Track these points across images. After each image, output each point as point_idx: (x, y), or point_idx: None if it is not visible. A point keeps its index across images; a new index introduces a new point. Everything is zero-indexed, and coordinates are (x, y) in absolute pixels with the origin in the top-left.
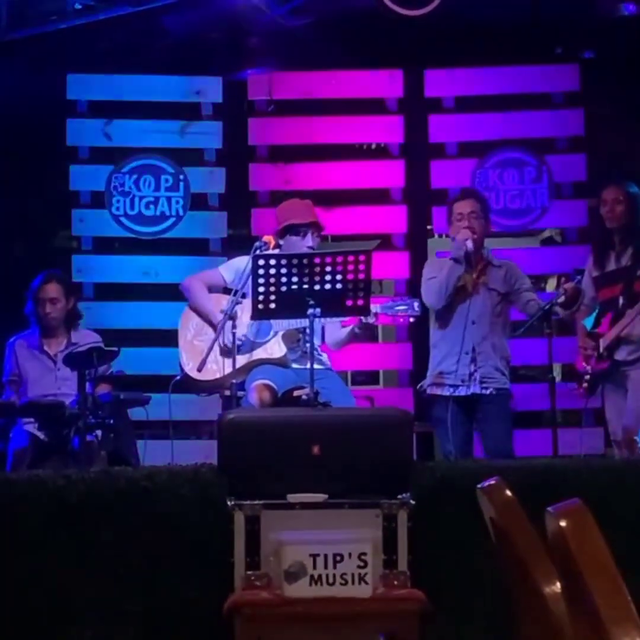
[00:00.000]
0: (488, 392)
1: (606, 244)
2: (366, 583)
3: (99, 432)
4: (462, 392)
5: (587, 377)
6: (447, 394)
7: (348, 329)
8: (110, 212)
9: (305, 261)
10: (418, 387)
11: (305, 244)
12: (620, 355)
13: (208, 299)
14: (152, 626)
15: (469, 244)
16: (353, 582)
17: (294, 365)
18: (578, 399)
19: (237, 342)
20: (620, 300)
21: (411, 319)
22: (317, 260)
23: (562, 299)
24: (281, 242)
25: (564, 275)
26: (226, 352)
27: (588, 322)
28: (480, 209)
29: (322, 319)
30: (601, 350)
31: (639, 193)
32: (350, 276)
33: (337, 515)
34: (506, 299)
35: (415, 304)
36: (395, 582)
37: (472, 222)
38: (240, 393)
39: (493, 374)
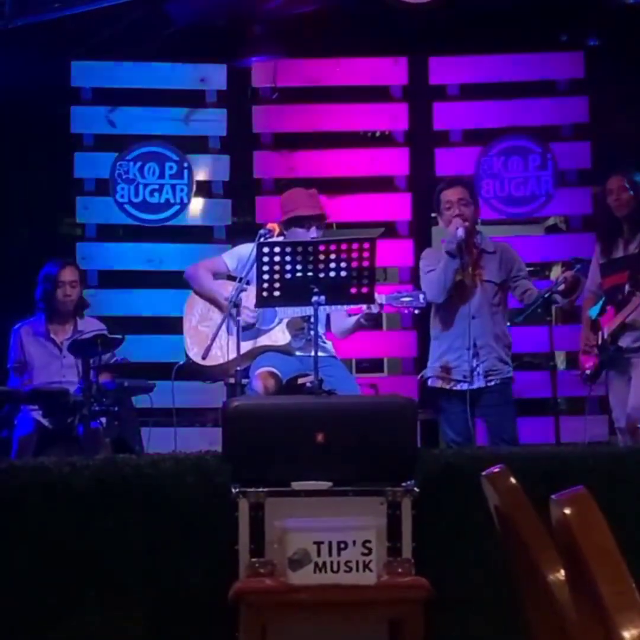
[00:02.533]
0: (492, 384)
1: (614, 232)
2: (370, 570)
3: (103, 420)
4: (464, 387)
5: (591, 364)
6: (448, 387)
7: (354, 318)
8: (114, 200)
9: (309, 249)
10: (419, 377)
11: (309, 236)
12: (625, 342)
13: (214, 283)
14: (158, 613)
15: (460, 232)
16: (357, 570)
17: (298, 353)
18: (582, 386)
19: (251, 321)
20: (626, 288)
21: (416, 311)
22: (321, 248)
23: (561, 287)
24: (285, 232)
25: (564, 264)
26: (231, 338)
27: (593, 311)
28: (469, 196)
29: (327, 307)
30: (605, 336)
31: None
32: (354, 264)
33: (341, 503)
34: (503, 287)
35: (421, 296)
36: (400, 570)
37: (462, 209)
38: (244, 380)
39: (496, 366)
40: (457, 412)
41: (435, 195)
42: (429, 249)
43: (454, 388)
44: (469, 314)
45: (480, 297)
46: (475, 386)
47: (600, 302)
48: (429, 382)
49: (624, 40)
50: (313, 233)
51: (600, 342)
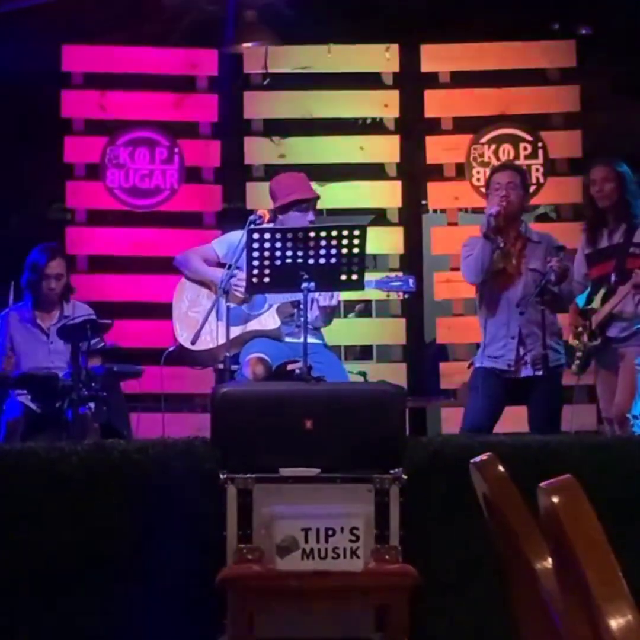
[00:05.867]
0: (540, 373)
1: (599, 222)
2: (358, 557)
3: (91, 405)
4: (510, 376)
5: (579, 354)
6: (497, 371)
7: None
8: (104, 185)
9: (300, 235)
10: (468, 365)
11: (308, 219)
12: (613, 332)
13: (206, 266)
14: (144, 598)
15: (492, 210)
16: (345, 557)
17: (288, 339)
18: (570, 375)
19: (241, 297)
20: (613, 277)
21: (406, 296)
22: (311, 234)
23: (552, 276)
24: (280, 216)
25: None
26: (221, 323)
27: (580, 300)
28: (519, 180)
29: (315, 294)
30: (593, 327)
31: (628, 171)
32: (344, 251)
33: (329, 490)
34: None
35: (411, 281)
36: (387, 557)
37: (509, 192)
38: (234, 366)
39: (544, 354)
40: (494, 394)
41: (488, 179)
42: (471, 237)
43: (501, 376)
44: (513, 303)
45: (525, 287)
46: (522, 375)
47: (587, 292)
48: (478, 364)
49: (615, 29)
50: (310, 216)
51: (588, 331)
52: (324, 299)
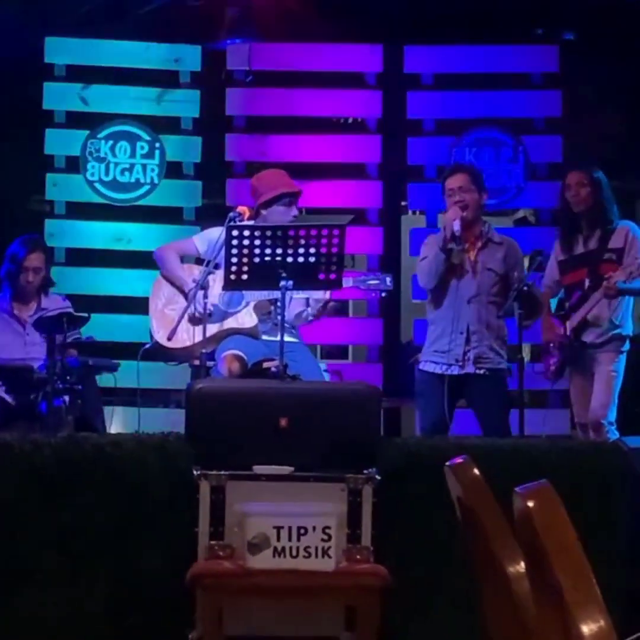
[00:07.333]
0: (482, 372)
1: (573, 228)
2: (329, 557)
3: (66, 398)
4: (454, 371)
5: (554, 360)
6: (439, 372)
7: (310, 310)
8: (84, 178)
9: (279, 233)
10: (411, 360)
11: (291, 213)
12: (589, 338)
13: (181, 268)
14: (115, 593)
15: (456, 226)
16: (316, 556)
17: (265, 337)
18: (545, 380)
19: (209, 309)
20: (587, 283)
21: (383, 294)
22: (291, 232)
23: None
24: (264, 211)
25: (528, 256)
26: (197, 320)
27: (552, 304)
28: (471, 182)
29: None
30: (568, 332)
31: (603, 176)
32: (323, 249)
33: (302, 488)
34: (504, 279)
35: (388, 279)
36: (358, 557)
37: (462, 196)
38: (209, 363)
39: (487, 354)
40: (438, 398)
41: (441, 183)
42: (432, 235)
43: (446, 372)
44: (464, 299)
45: (479, 284)
46: (465, 371)
47: (560, 296)
48: (421, 365)
49: (598, 35)
50: (294, 211)
51: (564, 334)
52: (317, 293)
